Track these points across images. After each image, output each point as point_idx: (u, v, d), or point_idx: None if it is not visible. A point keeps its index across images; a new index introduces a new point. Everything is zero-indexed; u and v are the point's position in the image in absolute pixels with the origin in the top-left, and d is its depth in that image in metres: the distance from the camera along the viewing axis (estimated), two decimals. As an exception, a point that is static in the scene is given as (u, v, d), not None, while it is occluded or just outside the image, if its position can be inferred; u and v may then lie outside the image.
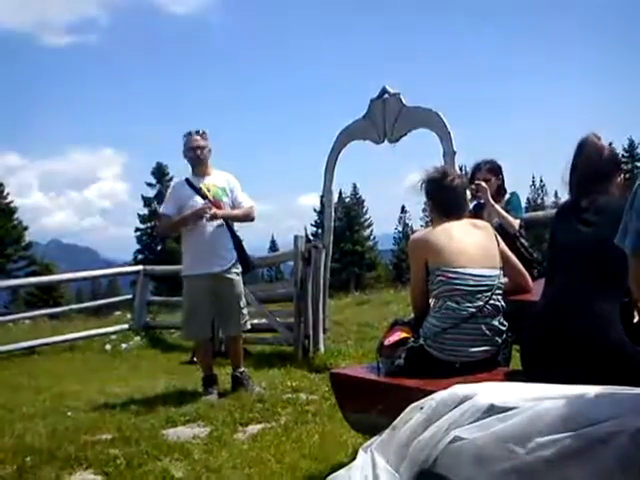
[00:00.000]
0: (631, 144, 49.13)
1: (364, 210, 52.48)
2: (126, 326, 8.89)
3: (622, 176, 2.63)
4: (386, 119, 5.85)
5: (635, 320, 2.29)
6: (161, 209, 4.87)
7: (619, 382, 1.97)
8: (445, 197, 2.90)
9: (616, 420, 1.70)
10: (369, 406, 2.59)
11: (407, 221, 56.84)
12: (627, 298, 2.33)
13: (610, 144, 2.78)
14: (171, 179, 39.59)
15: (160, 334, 8.67)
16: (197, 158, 4.72)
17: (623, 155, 46.70)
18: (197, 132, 4.75)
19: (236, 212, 4.77)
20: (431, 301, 2.81)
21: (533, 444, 1.76)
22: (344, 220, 47.99)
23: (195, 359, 5.90)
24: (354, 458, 2.26)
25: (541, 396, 1.97)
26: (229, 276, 4.70)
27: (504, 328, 2.72)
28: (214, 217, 4.57)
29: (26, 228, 35.25)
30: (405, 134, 5.84)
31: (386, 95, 5.92)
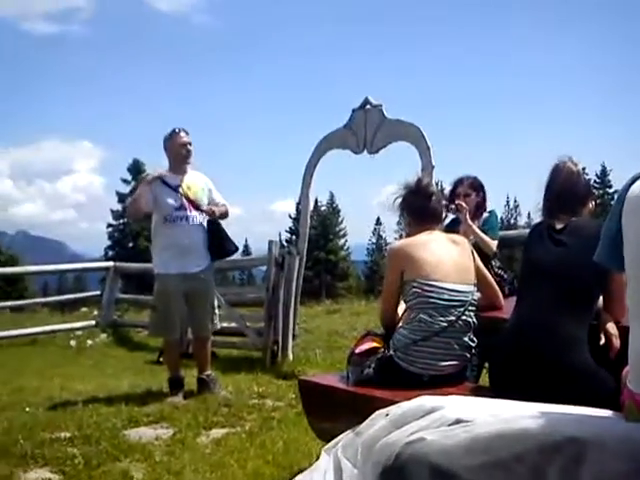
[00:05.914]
0: (603, 170, 50.16)
1: (340, 219, 52.59)
2: (92, 322, 8.76)
3: (594, 202, 2.69)
4: (367, 130, 5.89)
5: (601, 343, 2.32)
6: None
7: (582, 402, 1.99)
8: (420, 204, 2.90)
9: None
10: (336, 415, 2.58)
11: (381, 233, 57.22)
12: (595, 321, 2.38)
13: (584, 169, 2.83)
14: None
15: (127, 332, 8.55)
16: (187, 155, 4.68)
17: (595, 181, 47.60)
18: (183, 130, 4.70)
19: (222, 209, 4.76)
20: (400, 309, 2.82)
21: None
22: (319, 228, 48.02)
23: (162, 359, 5.82)
24: (318, 463, 2.23)
25: (507, 413, 1.98)
26: (203, 276, 4.65)
27: (473, 344, 2.74)
28: (212, 215, 4.61)
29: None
30: (385, 146, 5.88)
31: (368, 106, 5.96)
